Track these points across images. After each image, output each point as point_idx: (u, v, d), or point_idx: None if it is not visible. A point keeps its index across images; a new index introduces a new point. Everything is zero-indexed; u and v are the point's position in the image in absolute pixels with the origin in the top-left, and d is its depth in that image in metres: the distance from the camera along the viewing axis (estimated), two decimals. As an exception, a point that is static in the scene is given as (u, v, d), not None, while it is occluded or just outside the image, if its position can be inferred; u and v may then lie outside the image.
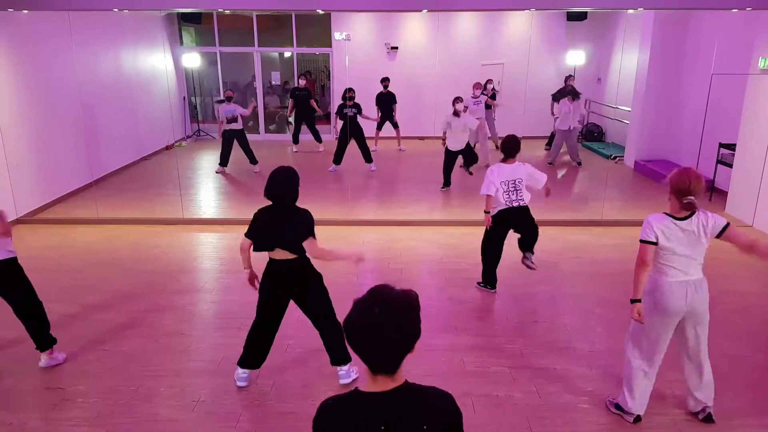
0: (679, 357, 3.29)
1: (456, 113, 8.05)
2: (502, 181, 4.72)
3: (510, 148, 4.77)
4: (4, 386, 3.68)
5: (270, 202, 3.44)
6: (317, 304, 3.60)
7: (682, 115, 9.55)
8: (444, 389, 1.60)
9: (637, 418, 3.28)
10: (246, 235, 3.52)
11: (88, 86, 8.38)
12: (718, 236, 3.00)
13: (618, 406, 3.36)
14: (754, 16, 6.90)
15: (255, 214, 3.50)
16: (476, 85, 10.16)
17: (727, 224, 2.99)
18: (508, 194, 4.74)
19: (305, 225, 3.39)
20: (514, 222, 4.87)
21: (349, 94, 9.39)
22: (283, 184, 3.37)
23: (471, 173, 8.40)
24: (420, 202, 7.94)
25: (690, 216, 2.99)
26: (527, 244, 5.09)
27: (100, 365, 3.91)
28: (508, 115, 11.51)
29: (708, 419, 3.29)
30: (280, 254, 3.44)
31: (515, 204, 4.75)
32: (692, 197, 2.91)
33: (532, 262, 5.10)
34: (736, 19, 7.90)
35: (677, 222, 2.99)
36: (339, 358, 3.67)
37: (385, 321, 1.45)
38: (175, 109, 12.30)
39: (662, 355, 3.23)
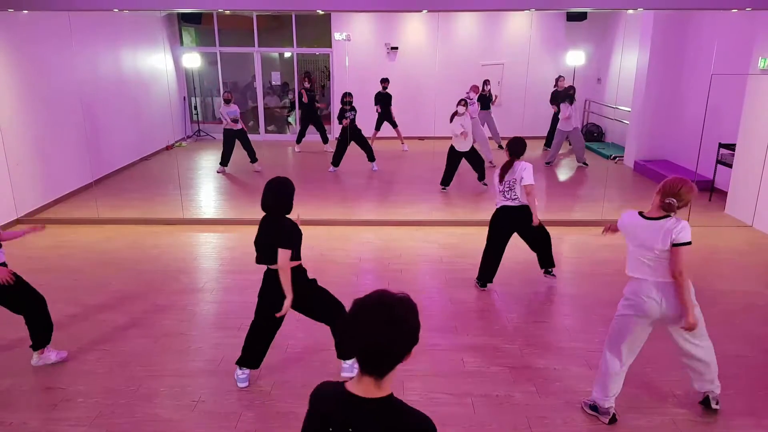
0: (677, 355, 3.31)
1: (457, 113, 8.10)
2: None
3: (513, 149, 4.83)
4: (4, 386, 3.68)
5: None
6: (318, 303, 3.60)
7: (682, 115, 9.55)
8: (426, 413, 1.53)
9: (613, 419, 3.28)
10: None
11: (88, 86, 8.38)
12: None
13: (593, 407, 3.36)
14: (754, 16, 6.90)
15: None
16: (473, 88, 10.21)
17: (687, 243, 2.96)
18: (503, 193, 4.85)
19: (283, 234, 3.35)
20: (514, 222, 4.91)
21: (347, 99, 9.41)
22: (272, 194, 3.36)
23: (486, 185, 8.50)
24: (420, 202, 7.94)
25: (664, 218, 3.03)
26: (543, 257, 5.12)
27: (100, 365, 3.91)
28: (508, 115, 11.52)
29: (705, 402, 3.35)
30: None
31: (509, 203, 4.82)
32: (674, 199, 2.97)
33: (553, 275, 5.19)
34: (736, 19, 7.90)
35: (645, 218, 3.07)
36: (345, 352, 3.65)
37: (386, 323, 1.44)
38: (175, 109, 12.31)
39: (635, 355, 3.26)
